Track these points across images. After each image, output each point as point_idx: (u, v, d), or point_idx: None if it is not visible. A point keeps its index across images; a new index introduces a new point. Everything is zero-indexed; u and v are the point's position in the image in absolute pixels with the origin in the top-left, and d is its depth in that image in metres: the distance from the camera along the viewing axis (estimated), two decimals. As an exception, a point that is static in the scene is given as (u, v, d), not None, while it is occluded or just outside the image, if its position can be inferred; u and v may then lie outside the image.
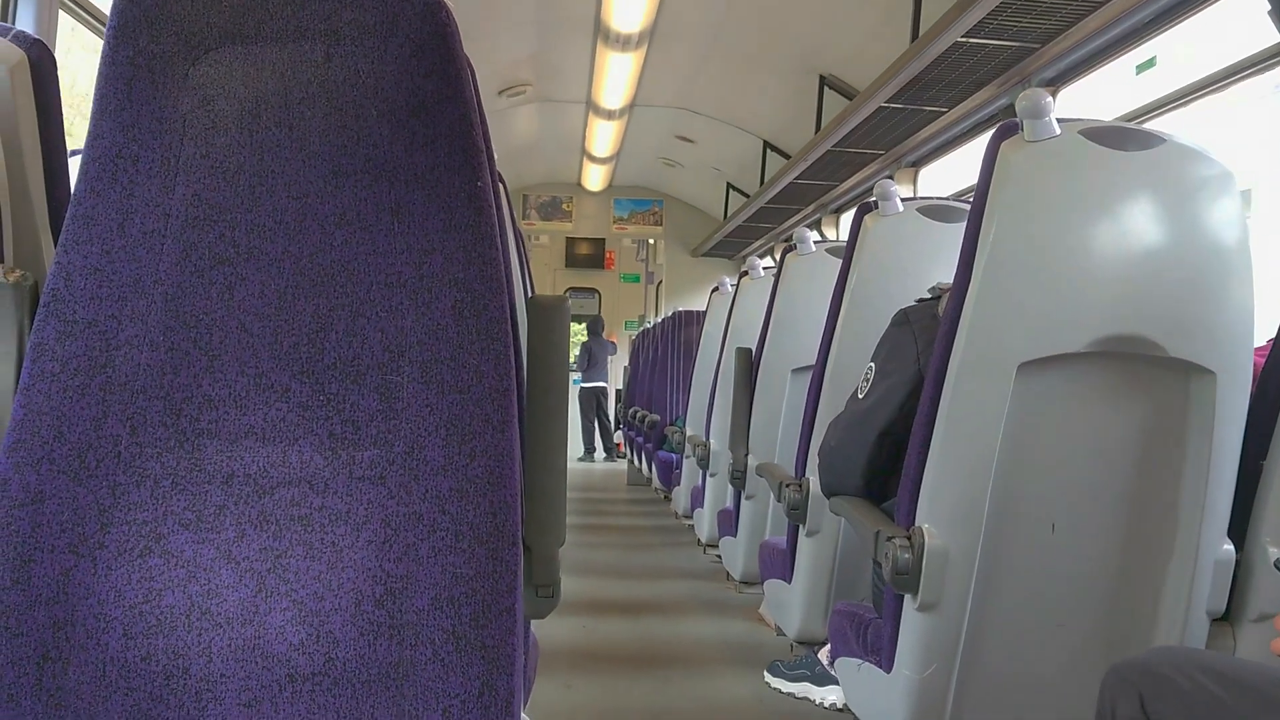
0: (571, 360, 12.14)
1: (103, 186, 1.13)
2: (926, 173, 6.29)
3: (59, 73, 1.64)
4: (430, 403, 1.11)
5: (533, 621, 1.39)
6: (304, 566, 1.08)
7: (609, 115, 8.64)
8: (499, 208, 1.28)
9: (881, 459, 2.06)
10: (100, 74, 1.14)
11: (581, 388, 11.27)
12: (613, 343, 11.57)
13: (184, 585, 1.07)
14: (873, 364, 2.10)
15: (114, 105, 1.13)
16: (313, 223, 1.13)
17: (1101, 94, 4.36)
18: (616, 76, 7.54)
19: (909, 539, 1.80)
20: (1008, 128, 1.79)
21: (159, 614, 1.07)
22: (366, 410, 1.11)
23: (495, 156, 1.72)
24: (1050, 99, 1.74)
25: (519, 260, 2.26)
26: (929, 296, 2.09)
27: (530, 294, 2.07)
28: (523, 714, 1.30)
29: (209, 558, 1.08)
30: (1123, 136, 1.78)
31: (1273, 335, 1.93)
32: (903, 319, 2.08)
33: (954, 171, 6.12)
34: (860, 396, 2.10)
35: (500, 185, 2.07)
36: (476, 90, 1.24)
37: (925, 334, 2.00)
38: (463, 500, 1.10)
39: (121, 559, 1.08)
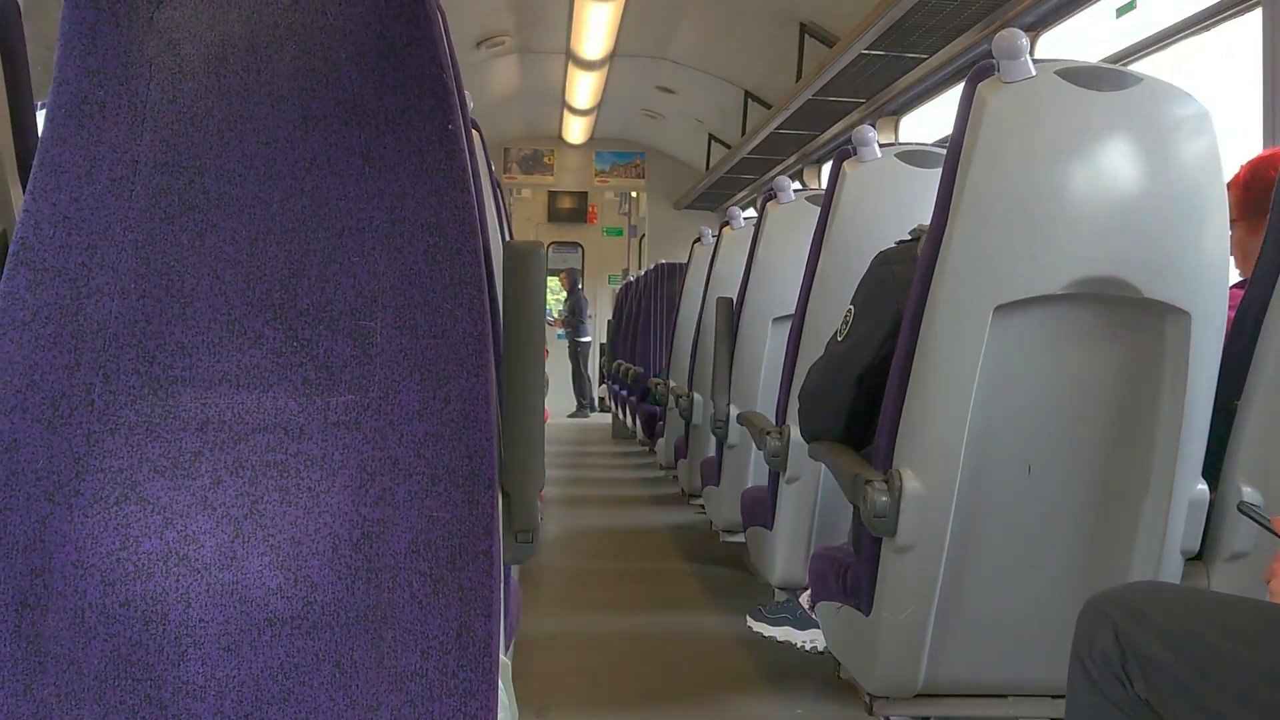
0: (555, 313, 12.08)
1: (69, 133, 1.11)
2: (908, 121, 6.27)
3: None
4: (404, 347, 1.11)
5: (516, 569, 1.40)
6: (281, 512, 1.08)
7: (589, 66, 8.55)
8: (472, 153, 1.27)
9: (861, 401, 2.06)
10: (64, 17, 1.12)
11: (579, 342, 11.24)
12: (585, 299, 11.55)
13: (161, 531, 1.08)
14: (852, 306, 2.09)
15: (78, 50, 1.12)
16: (283, 168, 1.12)
17: (1084, 39, 4.34)
18: (596, 26, 7.46)
19: (887, 482, 1.81)
20: (984, 69, 1.78)
21: (137, 560, 1.07)
22: (341, 356, 1.11)
23: (470, 103, 1.71)
24: (1026, 39, 1.73)
25: (496, 208, 2.25)
26: (909, 238, 2.08)
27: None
28: (504, 657, 1.32)
29: (185, 504, 1.08)
30: (1099, 76, 1.77)
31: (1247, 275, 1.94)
32: (883, 260, 2.07)
33: (935, 120, 6.10)
34: (839, 339, 2.09)
35: (476, 133, 2.06)
36: (447, 33, 1.23)
37: (905, 276, 1.98)
38: (438, 444, 1.10)
39: (97, 506, 1.08)
